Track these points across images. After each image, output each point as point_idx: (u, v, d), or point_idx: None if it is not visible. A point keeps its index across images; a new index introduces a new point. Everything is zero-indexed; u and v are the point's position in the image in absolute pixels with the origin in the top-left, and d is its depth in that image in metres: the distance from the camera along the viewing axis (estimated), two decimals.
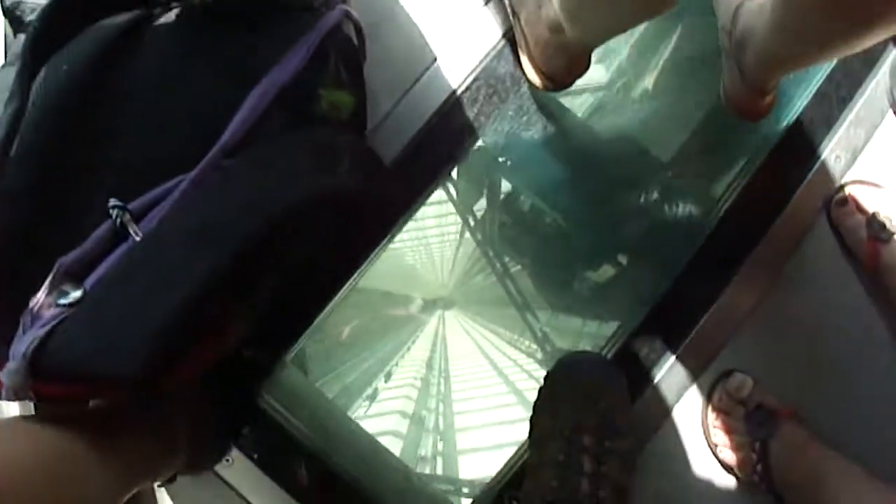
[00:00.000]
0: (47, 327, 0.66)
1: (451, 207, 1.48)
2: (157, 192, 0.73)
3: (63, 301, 0.68)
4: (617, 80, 1.21)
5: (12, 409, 0.85)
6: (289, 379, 1.08)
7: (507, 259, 1.52)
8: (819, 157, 1.07)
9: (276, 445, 1.02)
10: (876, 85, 1.09)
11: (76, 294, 0.68)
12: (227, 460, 1.00)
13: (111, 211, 0.70)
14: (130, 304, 0.67)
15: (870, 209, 1.03)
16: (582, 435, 0.90)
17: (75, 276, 0.69)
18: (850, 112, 1.08)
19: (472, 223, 1.51)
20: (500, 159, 1.14)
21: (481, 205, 1.43)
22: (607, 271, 1.23)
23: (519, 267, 1.50)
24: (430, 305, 1.79)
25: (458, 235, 1.72)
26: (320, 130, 0.84)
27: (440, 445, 1.56)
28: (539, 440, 0.94)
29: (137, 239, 0.70)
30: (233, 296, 0.84)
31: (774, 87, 0.95)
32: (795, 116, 1.08)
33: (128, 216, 0.71)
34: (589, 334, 1.27)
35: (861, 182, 1.07)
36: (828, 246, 1.06)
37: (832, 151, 1.07)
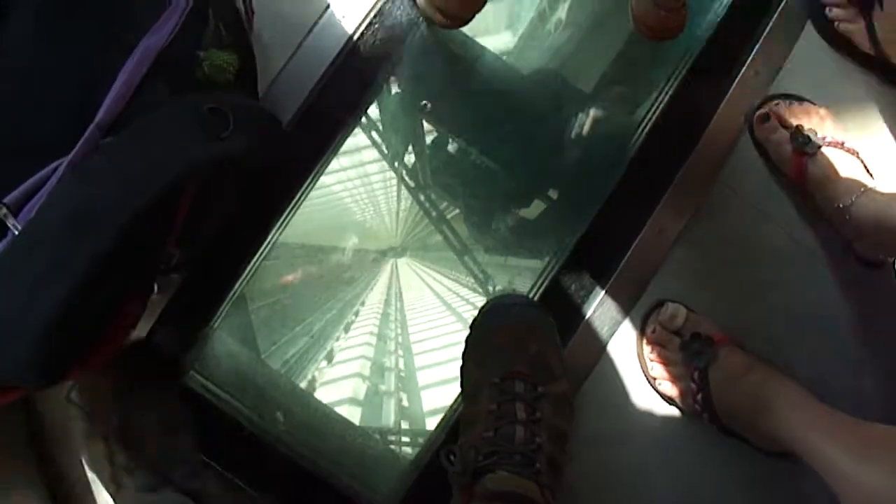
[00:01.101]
0: None
1: (380, 156, 1.47)
2: (33, 180, 0.71)
3: None
4: (530, 12, 1.20)
5: None
6: (213, 349, 1.08)
7: (444, 205, 1.52)
8: (739, 73, 1.07)
9: (208, 423, 1.02)
10: None
11: None
12: None
13: None
14: (14, 304, 0.66)
15: (793, 123, 1.04)
16: (513, 381, 0.90)
17: None
18: (767, 23, 1.08)
19: (404, 173, 1.51)
20: (421, 103, 1.13)
21: (409, 153, 1.42)
22: (538, 207, 1.24)
23: (457, 211, 1.50)
24: (381, 256, 1.79)
25: (397, 186, 1.71)
26: (202, 95, 0.82)
27: (404, 401, 1.58)
28: (470, 391, 0.95)
29: (16, 233, 0.69)
30: (131, 275, 0.83)
31: (684, 4, 0.95)
32: (711, 32, 1.07)
33: (4, 210, 0.69)
34: (526, 273, 1.28)
35: (782, 96, 1.08)
36: (751, 163, 1.07)
37: (751, 67, 1.07)
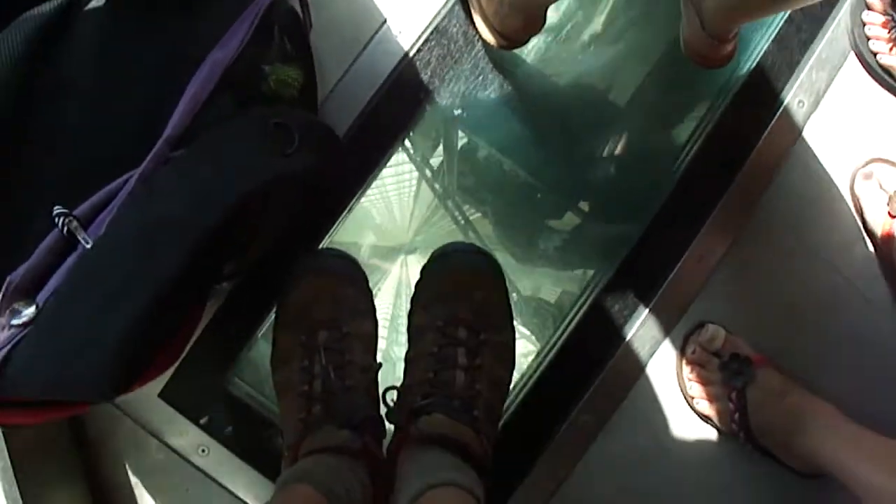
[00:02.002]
0: (3, 351, 0.64)
1: (405, 158, 1.46)
2: (102, 193, 0.70)
3: (16, 321, 0.65)
4: (565, 23, 1.18)
5: None
6: (257, 356, 1.06)
7: (466, 208, 1.51)
8: (782, 102, 1.06)
9: (251, 430, 1.01)
10: (837, 25, 1.08)
11: (29, 311, 0.65)
12: (203, 450, 0.99)
13: (56, 219, 0.67)
14: (88, 318, 0.65)
15: (889, 189, 1.05)
16: (456, 327, 0.88)
17: (26, 293, 0.67)
18: (811, 55, 1.07)
19: (429, 175, 1.49)
20: (456, 113, 1.12)
21: (438, 155, 1.41)
22: (571, 222, 1.23)
23: (479, 215, 1.49)
24: (392, 252, 1.77)
25: (415, 185, 1.69)
26: (268, 110, 0.81)
27: None
28: (415, 333, 0.92)
29: (87, 246, 0.67)
30: (196, 290, 0.82)
31: (736, 35, 0.94)
32: (756, 61, 1.06)
33: (75, 223, 0.68)
34: (555, 288, 1.27)
35: (886, 161, 1.08)
36: (794, 191, 1.06)
37: (795, 96, 1.06)
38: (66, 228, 0.67)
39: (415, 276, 0.93)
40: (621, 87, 1.16)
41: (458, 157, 1.32)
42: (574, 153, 1.17)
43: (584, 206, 1.21)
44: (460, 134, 1.30)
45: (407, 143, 1.36)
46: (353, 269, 0.93)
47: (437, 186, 1.48)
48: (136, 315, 0.64)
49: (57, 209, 0.67)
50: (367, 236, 1.64)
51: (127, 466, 1.00)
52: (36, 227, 0.68)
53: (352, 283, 0.92)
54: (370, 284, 0.96)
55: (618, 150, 1.14)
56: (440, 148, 1.37)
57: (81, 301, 0.65)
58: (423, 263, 0.94)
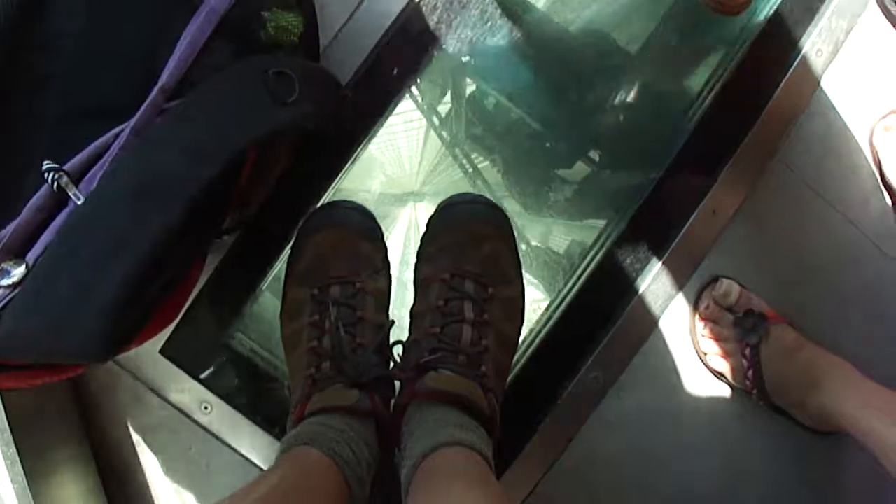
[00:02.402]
0: None
1: (413, 105, 1.42)
2: (94, 146, 0.66)
3: (5, 281, 0.62)
4: None
5: None
6: (261, 311, 1.03)
7: (474, 156, 1.47)
8: (800, 51, 1.01)
9: (255, 387, 0.98)
10: None
11: (19, 271, 0.62)
12: (206, 407, 0.96)
13: (46, 174, 0.63)
14: (80, 276, 0.61)
15: None
16: (463, 280, 0.84)
17: (16, 252, 0.63)
18: (831, 2, 1.01)
19: (437, 122, 1.45)
20: (464, 60, 1.07)
21: (445, 102, 1.36)
22: (581, 171, 1.19)
23: (488, 163, 1.45)
24: (401, 199, 1.75)
25: (423, 132, 1.65)
26: (268, 58, 0.76)
27: None
28: (421, 286, 0.88)
29: (79, 202, 0.64)
30: (194, 245, 0.78)
31: None
32: (774, 7, 1.00)
33: (65, 178, 0.64)
34: (565, 238, 1.23)
35: None
36: (811, 143, 1.02)
37: (813, 44, 1.01)
38: (56, 184, 0.63)
39: (423, 222, 0.89)
40: (634, 33, 1.11)
41: (465, 104, 1.28)
42: (584, 101, 1.13)
43: (595, 155, 1.16)
44: (468, 81, 1.25)
45: (414, 90, 1.32)
46: (370, 223, 0.90)
47: (444, 134, 1.44)
48: (130, 272, 0.61)
49: (46, 164, 0.64)
50: (374, 183, 1.61)
51: (129, 424, 0.98)
52: (25, 182, 0.65)
53: (368, 238, 0.89)
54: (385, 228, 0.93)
55: (630, 99, 1.10)
56: (448, 95, 1.33)
57: (74, 259, 0.62)
58: (431, 210, 0.90)
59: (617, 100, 1.12)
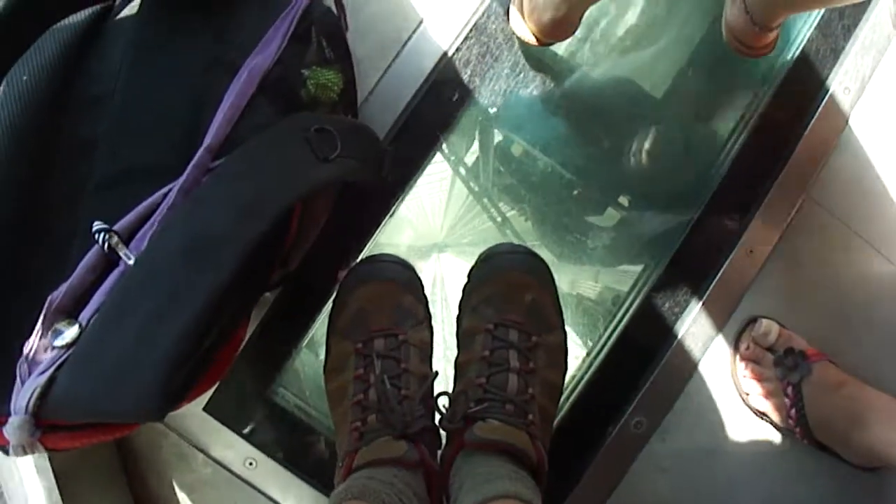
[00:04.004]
0: (47, 374, 0.58)
1: (440, 157, 1.41)
2: (143, 206, 0.64)
3: (59, 342, 0.60)
4: (601, 19, 1.12)
5: (26, 463, 0.79)
6: (302, 366, 1.01)
7: (502, 205, 1.45)
8: (828, 90, 0.99)
9: (298, 441, 0.95)
10: (879, 9, 1.01)
11: (72, 331, 0.60)
12: (250, 463, 0.94)
13: (96, 234, 0.62)
14: (134, 336, 0.59)
15: None
16: (507, 329, 0.82)
17: (68, 312, 0.61)
18: (855, 40, 1.00)
19: (463, 173, 1.44)
20: (493, 111, 1.06)
21: (472, 153, 1.35)
22: (613, 218, 1.16)
23: (515, 212, 1.44)
24: (426, 251, 1.72)
25: (448, 184, 1.63)
26: (309, 115, 0.75)
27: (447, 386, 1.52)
28: (465, 338, 0.86)
29: (130, 262, 0.62)
30: (242, 303, 0.77)
31: (780, 24, 0.87)
32: (800, 48, 0.99)
33: (115, 238, 0.62)
34: (601, 286, 1.21)
35: None
36: (842, 182, 1.00)
37: (840, 83, 0.99)
38: (106, 244, 0.62)
39: (449, 273, 0.88)
40: (661, 80, 1.09)
41: (494, 154, 1.26)
42: (614, 148, 1.11)
43: (626, 201, 1.14)
44: (496, 132, 1.24)
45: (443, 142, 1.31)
46: (411, 275, 0.88)
47: (472, 184, 1.42)
48: (183, 332, 0.59)
49: (97, 224, 0.62)
50: (402, 237, 1.60)
51: (173, 481, 0.95)
52: (73, 244, 0.64)
53: (410, 290, 0.87)
54: None
55: (660, 144, 1.08)
56: (475, 145, 1.32)
57: (126, 319, 0.59)
58: (456, 260, 0.89)
59: (647, 145, 1.10)
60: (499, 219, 1.47)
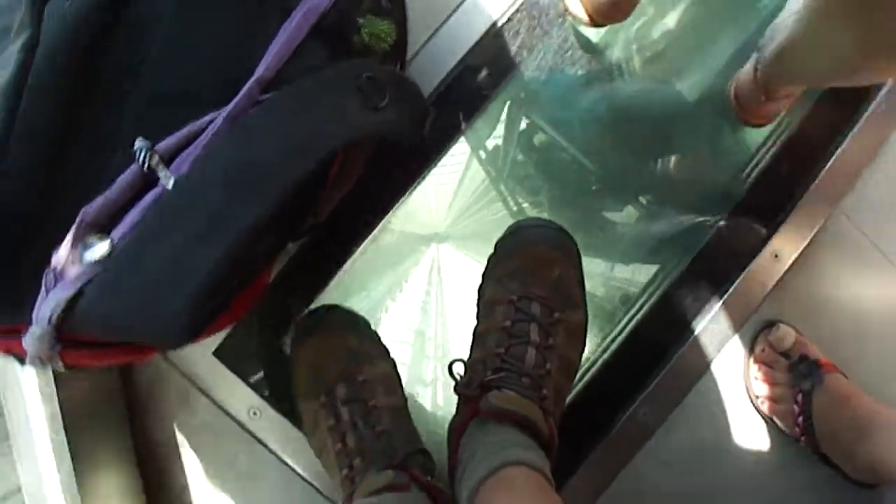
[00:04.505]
0: (73, 288, 0.56)
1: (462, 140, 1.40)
2: (186, 130, 0.62)
3: (89, 257, 0.57)
4: (638, 18, 1.11)
5: (29, 377, 0.77)
6: None
7: (517, 196, 1.43)
8: (868, 105, 0.97)
9: None
10: None
11: (103, 247, 0.57)
12: (255, 413, 0.91)
13: (137, 153, 0.59)
14: (167, 259, 0.57)
15: None
16: (530, 302, 0.80)
17: (101, 227, 0.59)
18: None
19: (483, 157, 1.41)
20: (522, 95, 1.04)
21: (496, 136, 1.33)
22: (632, 216, 1.15)
23: (527, 205, 1.42)
24: (425, 239, 1.70)
25: (460, 173, 1.61)
26: (363, 63, 0.73)
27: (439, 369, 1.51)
28: (486, 307, 0.84)
29: (169, 184, 0.60)
30: (273, 243, 0.75)
31: (785, 98, 0.89)
32: None
33: (156, 158, 0.60)
34: (618, 278, 1.19)
35: None
36: (874, 199, 0.98)
37: (881, 101, 0.97)
38: (147, 163, 0.59)
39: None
40: (698, 84, 1.08)
41: (518, 141, 1.25)
42: (644, 144, 1.10)
43: (645, 200, 1.13)
44: (522, 117, 1.23)
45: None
46: (350, 318, 0.89)
47: (490, 169, 1.40)
48: (218, 259, 0.57)
49: (139, 142, 0.59)
50: (405, 225, 1.58)
51: (174, 424, 0.93)
52: (111, 161, 0.61)
53: (354, 332, 0.87)
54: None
55: (695, 143, 1.07)
56: (498, 129, 1.30)
57: (164, 240, 0.57)
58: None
59: (683, 143, 1.09)
60: (514, 208, 1.45)
